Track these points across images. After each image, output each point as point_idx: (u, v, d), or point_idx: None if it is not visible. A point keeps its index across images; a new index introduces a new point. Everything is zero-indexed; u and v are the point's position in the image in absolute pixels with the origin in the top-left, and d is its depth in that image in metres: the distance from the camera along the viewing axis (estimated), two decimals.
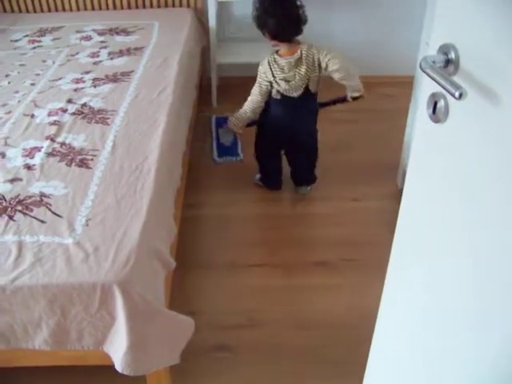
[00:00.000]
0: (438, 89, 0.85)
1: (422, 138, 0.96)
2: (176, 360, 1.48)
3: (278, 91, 2.20)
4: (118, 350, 1.39)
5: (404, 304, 1.18)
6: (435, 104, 0.88)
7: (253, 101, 2.28)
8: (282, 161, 2.48)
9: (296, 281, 2.05)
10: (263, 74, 2.20)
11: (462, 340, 0.92)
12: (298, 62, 2.13)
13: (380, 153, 2.69)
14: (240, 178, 2.59)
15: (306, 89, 2.19)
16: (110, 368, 1.43)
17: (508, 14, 0.72)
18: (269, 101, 2.28)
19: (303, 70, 2.14)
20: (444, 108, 0.87)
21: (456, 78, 0.82)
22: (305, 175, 2.50)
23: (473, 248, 0.85)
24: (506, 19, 0.72)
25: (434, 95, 0.88)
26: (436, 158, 0.94)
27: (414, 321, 1.13)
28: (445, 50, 0.84)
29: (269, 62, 2.18)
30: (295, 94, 2.20)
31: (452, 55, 0.82)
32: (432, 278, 1.01)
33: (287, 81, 2.17)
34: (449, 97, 0.84)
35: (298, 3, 2.09)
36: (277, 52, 2.17)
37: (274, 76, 2.17)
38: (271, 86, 2.22)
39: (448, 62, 0.83)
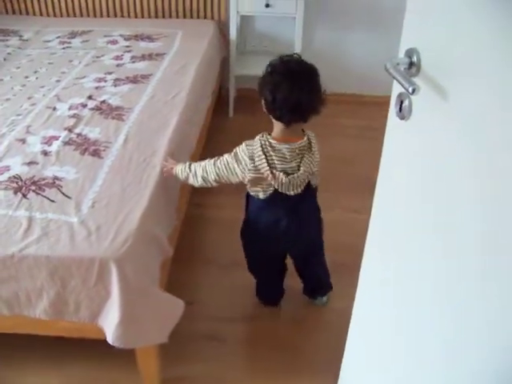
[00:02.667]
0: (404, 89, 0.95)
1: (391, 133, 1.06)
2: (164, 339, 1.57)
3: (267, 188, 1.65)
4: (110, 324, 1.49)
5: (376, 304, 1.26)
6: (401, 103, 0.98)
7: (220, 175, 1.68)
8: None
9: (291, 281, 2.13)
10: (250, 161, 1.60)
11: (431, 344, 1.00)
12: (305, 148, 1.61)
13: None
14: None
15: (308, 184, 1.68)
16: (104, 342, 1.54)
17: (459, 25, 0.82)
18: (249, 199, 1.76)
19: (315, 158, 1.63)
20: (408, 106, 0.97)
21: (417, 79, 0.92)
22: (320, 286, 2.03)
23: (440, 238, 0.93)
24: (458, 29, 0.82)
25: (400, 95, 0.98)
26: (404, 150, 1.04)
27: (386, 320, 1.21)
28: (409, 53, 0.94)
29: (262, 146, 1.59)
30: (293, 192, 1.66)
31: (415, 58, 0.93)
32: (403, 275, 1.09)
33: (287, 173, 1.61)
34: (412, 96, 0.94)
35: (322, 89, 1.58)
36: (269, 134, 1.63)
37: (270, 166, 1.60)
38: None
39: (411, 65, 0.93)
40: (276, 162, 1.59)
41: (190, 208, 2.34)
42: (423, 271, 0.99)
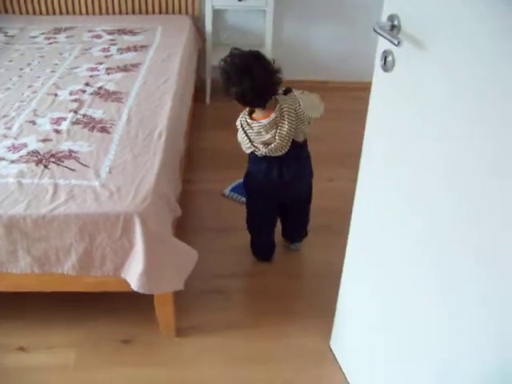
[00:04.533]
0: (387, 47, 1.21)
1: (376, 84, 1.32)
2: (181, 286, 1.78)
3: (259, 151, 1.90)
4: (134, 273, 1.68)
5: (364, 258, 1.52)
6: (385, 58, 1.24)
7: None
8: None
9: (282, 240, 2.37)
10: (239, 136, 1.94)
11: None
12: (277, 120, 1.80)
13: (349, 145, 3.04)
14: (231, 158, 2.90)
15: (293, 143, 1.87)
16: (123, 297, 1.74)
17: None
18: (249, 156, 2.01)
19: (285, 128, 1.80)
20: (392, 61, 1.22)
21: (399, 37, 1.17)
22: (299, 232, 2.31)
23: (422, 189, 1.18)
24: None
25: (384, 52, 1.24)
26: (389, 98, 1.29)
27: (375, 272, 1.47)
28: (391, 18, 1.19)
29: (242, 124, 1.88)
30: (279, 153, 1.88)
31: (396, 22, 1.18)
32: (388, 231, 1.36)
33: (267, 144, 1.86)
34: (395, 52, 1.20)
35: (272, 68, 1.79)
36: (250, 114, 1.87)
37: (250, 140, 1.88)
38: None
39: (393, 27, 1.19)
40: (253, 136, 1.86)
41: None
42: (409, 227, 1.26)
